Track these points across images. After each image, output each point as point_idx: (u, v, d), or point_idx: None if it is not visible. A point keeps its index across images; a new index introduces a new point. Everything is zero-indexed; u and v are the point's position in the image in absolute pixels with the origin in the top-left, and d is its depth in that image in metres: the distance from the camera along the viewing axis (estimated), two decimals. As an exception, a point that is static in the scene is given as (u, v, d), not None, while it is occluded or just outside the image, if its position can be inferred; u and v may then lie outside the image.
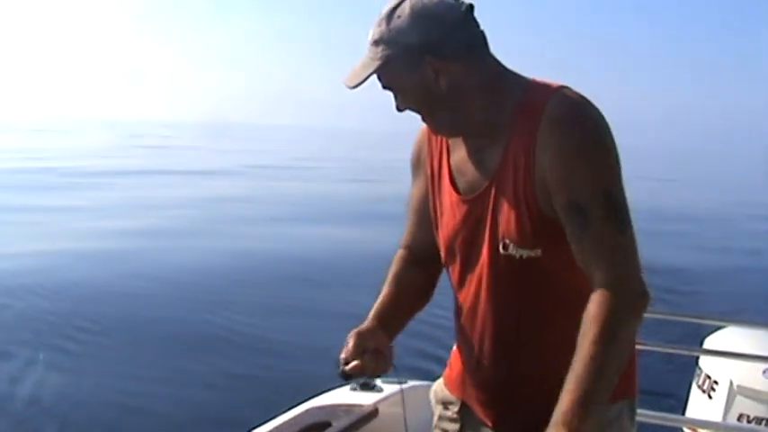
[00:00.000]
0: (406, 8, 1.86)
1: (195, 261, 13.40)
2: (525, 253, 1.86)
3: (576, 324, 1.83)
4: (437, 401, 2.23)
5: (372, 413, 2.67)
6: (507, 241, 1.88)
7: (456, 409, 2.16)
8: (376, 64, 1.90)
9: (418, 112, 1.97)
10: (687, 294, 12.14)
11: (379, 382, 2.96)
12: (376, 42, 1.90)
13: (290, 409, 2.75)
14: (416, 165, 2.16)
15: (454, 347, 2.21)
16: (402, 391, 2.27)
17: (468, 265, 2.01)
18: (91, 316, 9.46)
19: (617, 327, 1.75)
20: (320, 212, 21.35)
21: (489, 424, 2.09)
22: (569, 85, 1.89)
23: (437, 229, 2.09)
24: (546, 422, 1.81)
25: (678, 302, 10.99)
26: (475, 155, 1.97)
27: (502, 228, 1.88)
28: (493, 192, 1.90)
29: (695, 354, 4.53)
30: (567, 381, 1.72)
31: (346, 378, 2.01)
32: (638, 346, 3.51)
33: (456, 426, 2.16)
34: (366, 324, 2.08)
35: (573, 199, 1.78)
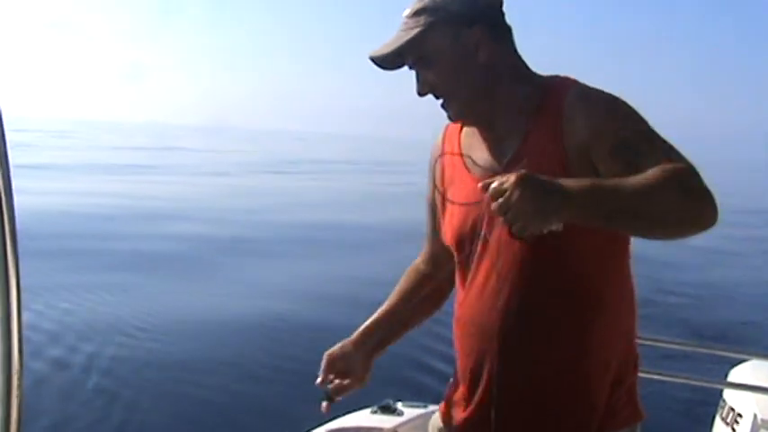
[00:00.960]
0: None
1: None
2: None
3: (583, 326, 1.89)
4: (434, 428, 2.23)
5: (392, 437, 2.67)
6: None
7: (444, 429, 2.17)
8: (417, 30, 1.89)
9: (441, 95, 1.96)
10: (713, 325, 12.03)
11: (399, 405, 2.96)
12: (418, 12, 1.91)
13: (309, 430, 2.75)
14: (433, 170, 2.16)
15: (451, 380, 2.20)
16: (422, 415, 2.27)
17: (479, 250, 1.97)
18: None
19: (680, 190, 1.63)
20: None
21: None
22: None
23: (448, 222, 2.07)
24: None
25: (704, 334, 10.89)
26: (493, 142, 1.98)
27: None
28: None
29: (719, 386, 4.49)
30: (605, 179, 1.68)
31: (330, 400, 2.21)
32: (658, 377, 3.53)
33: None
34: (340, 344, 2.22)
35: (618, 140, 1.77)
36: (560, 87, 1.91)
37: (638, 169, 1.69)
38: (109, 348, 8.86)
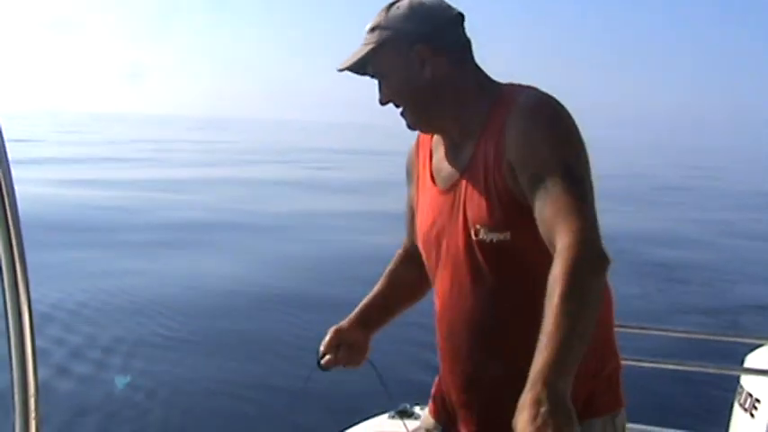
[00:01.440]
0: (405, 2, 2.04)
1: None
2: (495, 236, 1.93)
3: None
4: (424, 428, 2.31)
5: (411, 441, 2.66)
6: (478, 227, 1.95)
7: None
8: (370, 47, 2.05)
9: (398, 105, 2.09)
10: (727, 312, 12.00)
11: (417, 409, 2.96)
12: (373, 29, 2.06)
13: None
14: (409, 172, 2.30)
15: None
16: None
17: (443, 258, 2.08)
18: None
19: (582, 284, 1.72)
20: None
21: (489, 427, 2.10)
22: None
23: (418, 226, 2.19)
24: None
25: (718, 321, 10.87)
26: (451, 152, 2.09)
27: (473, 214, 1.97)
28: (464, 182, 2.00)
29: (736, 373, 4.47)
30: (540, 341, 1.65)
31: (322, 369, 2.32)
32: (678, 366, 3.54)
33: None
34: (346, 320, 2.35)
35: (535, 172, 1.84)
36: (509, 100, 1.97)
37: (541, 212, 1.81)
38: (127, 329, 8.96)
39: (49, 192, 23.14)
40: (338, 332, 2.33)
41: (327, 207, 24.64)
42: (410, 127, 2.12)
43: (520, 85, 2.04)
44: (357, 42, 2.09)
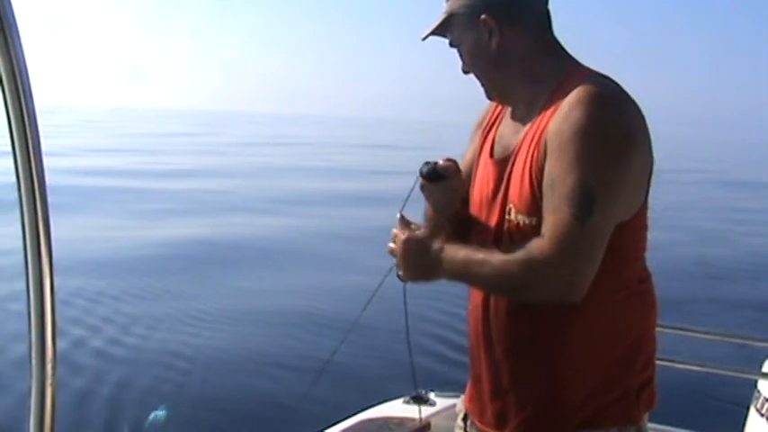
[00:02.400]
0: None
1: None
2: (523, 219, 1.91)
3: (569, 314, 1.90)
4: (458, 411, 2.29)
5: (425, 427, 2.65)
6: (511, 206, 1.94)
7: (461, 416, 2.22)
8: (441, 18, 2.04)
9: (476, 75, 2.07)
10: (746, 314, 11.89)
11: (432, 395, 2.95)
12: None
13: (340, 421, 2.74)
14: (476, 130, 2.25)
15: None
16: (455, 405, 2.26)
17: (484, 228, 2.06)
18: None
19: (510, 283, 1.87)
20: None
21: (484, 426, 2.11)
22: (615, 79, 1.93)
23: (471, 192, 2.16)
24: (549, 413, 1.95)
25: (738, 324, 10.78)
26: (515, 124, 2.06)
27: (511, 192, 1.95)
28: (515, 157, 1.96)
29: (754, 377, 4.42)
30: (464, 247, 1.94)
31: (429, 179, 2.11)
32: (694, 367, 3.49)
33: None
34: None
35: (551, 171, 1.82)
36: (576, 82, 1.89)
37: (543, 212, 1.83)
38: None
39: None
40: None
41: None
42: (488, 97, 2.11)
43: (589, 69, 1.97)
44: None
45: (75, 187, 22.19)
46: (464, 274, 1.93)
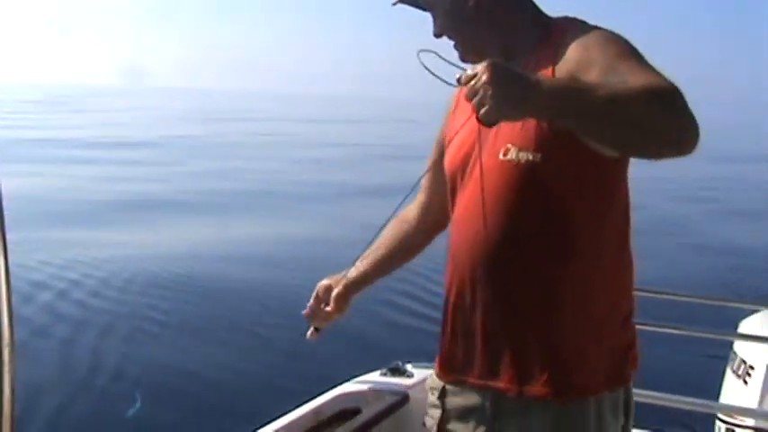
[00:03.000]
0: None
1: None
2: (525, 156, 1.84)
3: (555, 271, 1.87)
4: (429, 389, 2.19)
5: (403, 399, 2.63)
6: (509, 145, 1.87)
7: (437, 393, 2.12)
8: None
9: (450, 37, 2.01)
10: (722, 277, 12.02)
11: (409, 366, 2.92)
12: None
13: (318, 395, 2.71)
14: (450, 105, 2.21)
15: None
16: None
17: (466, 181, 1.99)
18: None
19: (659, 97, 1.60)
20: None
21: (476, 379, 2.00)
22: None
23: (449, 151, 2.09)
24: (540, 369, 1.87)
25: (712, 286, 10.87)
26: None
27: (506, 133, 1.87)
28: None
29: (730, 338, 4.44)
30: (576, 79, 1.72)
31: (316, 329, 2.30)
32: (670, 330, 3.48)
33: (438, 411, 2.11)
34: (329, 278, 2.32)
35: (601, 66, 1.74)
36: (562, 29, 1.90)
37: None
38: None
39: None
40: (324, 290, 2.32)
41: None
42: (462, 59, 2.03)
43: (571, 17, 1.97)
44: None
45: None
46: (571, 95, 1.62)
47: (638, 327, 2.06)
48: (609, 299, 1.96)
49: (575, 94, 1.62)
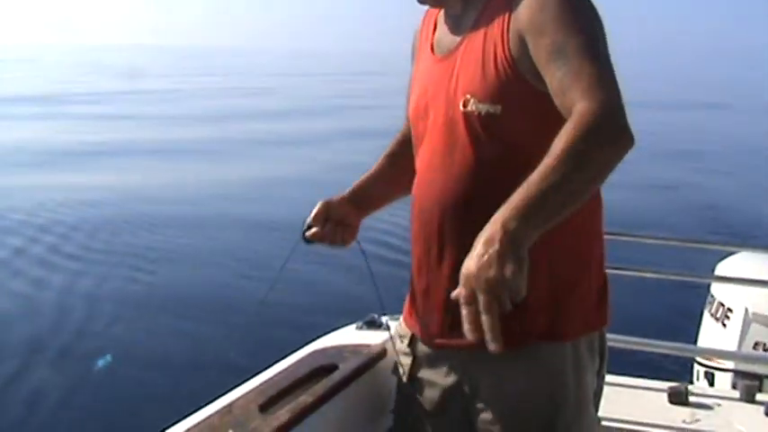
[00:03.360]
0: None
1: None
2: (485, 108, 1.80)
3: None
4: (397, 336, 2.16)
5: (381, 353, 2.54)
6: (468, 96, 1.82)
7: (407, 341, 2.07)
8: None
9: None
10: (697, 218, 12.05)
11: (385, 319, 2.84)
12: None
13: (292, 352, 2.62)
14: (414, 48, 2.16)
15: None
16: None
17: (429, 131, 1.95)
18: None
19: (589, 150, 1.56)
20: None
21: (437, 339, 1.96)
22: None
23: (411, 99, 2.05)
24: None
25: (688, 228, 10.90)
26: (454, 21, 1.96)
27: (465, 83, 1.83)
28: (462, 49, 1.87)
29: (706, 281, 4.40)
30: (520, 187, 1.55)
31: (306, 242, 2.13)
32: (641, 274, 3.41)
33: (408, 359, 2.07)
34: (337, 196, 2.17)
35: (554, 39, 1.70)
36: None
37: (561, 81, 1.68)
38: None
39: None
40: (327, 205, 2.15)
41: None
42: (420, 2, 2.00)
43: None
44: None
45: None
46: (541, 206, 1.55)
47: (610, 271, 2.01)
48: (579, 244, 1.91)
49: (546, 210, 1.55)
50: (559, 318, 1.88)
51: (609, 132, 1.60)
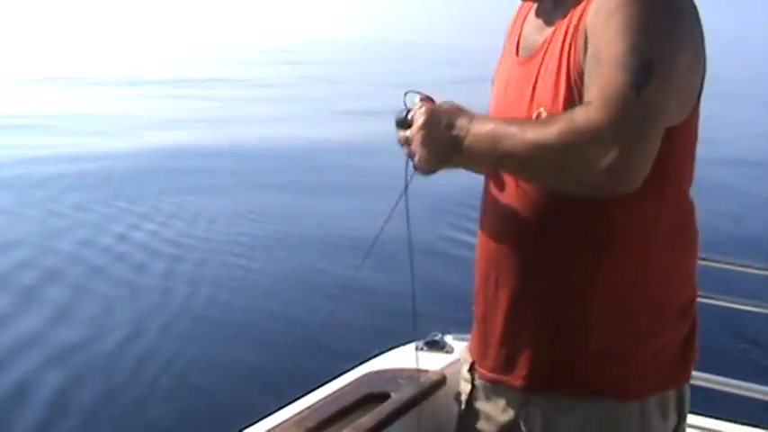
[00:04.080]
0: None
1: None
2: None
3: (602, 243, 1.68)
4: (462, 360, 2.07)
5: (440, 381, 2.29)
6: (541, 109, 1.72)
7: (467, 367, 1.99)
8: None
9: None
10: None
11: (449, 339, 2.59)
12: None
13: (344, 372, 2.38)
14: (506, 38, 2.02)
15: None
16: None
17: None
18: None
19: (562, 155, 1.50)
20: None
21: (492, 373, 1.87)
22: None
23: (491, 98, 1.97)
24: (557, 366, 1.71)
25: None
26: (540, 20, 1.84)
27: (540, 93, 1.73)
28: (543, 55, 1.75)
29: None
30: (501, 120, 1.65)
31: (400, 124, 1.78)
32: (722, 303, 3.06)
33: (468, 386, 1.98)
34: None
35: (595, 47, 1.57)
36: None
37: (588, 90, 1.58)
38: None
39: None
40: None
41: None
42: None
43: None
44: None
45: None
46: (490, 149, 1.59)
47: (701, 301, 1.85)
48: (659, 290, 1.73)
49: (487, 154, 1.62)
50: (628, 371, 1.69)
51: (582, 161, 1.48)
